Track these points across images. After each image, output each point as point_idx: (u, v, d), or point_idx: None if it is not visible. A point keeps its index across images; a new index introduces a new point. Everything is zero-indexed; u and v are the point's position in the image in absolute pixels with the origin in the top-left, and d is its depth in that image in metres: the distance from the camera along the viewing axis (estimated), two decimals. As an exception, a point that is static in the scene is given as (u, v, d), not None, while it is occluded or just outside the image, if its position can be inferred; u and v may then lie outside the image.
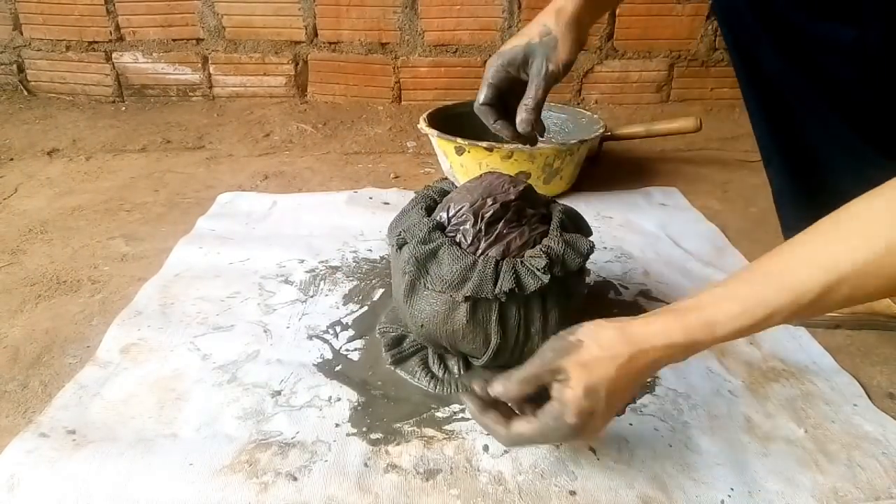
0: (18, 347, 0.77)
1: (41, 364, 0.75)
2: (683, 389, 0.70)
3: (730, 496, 0.57)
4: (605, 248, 1.02)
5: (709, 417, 0.66)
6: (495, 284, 0.63)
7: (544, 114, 0.79)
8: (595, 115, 1.30)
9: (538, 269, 0.63)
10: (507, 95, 0.73)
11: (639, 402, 0.68)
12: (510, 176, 0.73)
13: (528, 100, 0.70)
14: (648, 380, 0.69)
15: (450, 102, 1.36)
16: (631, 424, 0.65)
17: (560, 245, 0.66)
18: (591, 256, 0.69)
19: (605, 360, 0.52)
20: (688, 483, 0.58)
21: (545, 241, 0.67)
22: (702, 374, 0.73)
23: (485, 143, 1.09)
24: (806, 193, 0.80)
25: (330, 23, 1.71)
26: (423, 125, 1.21)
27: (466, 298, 0.64)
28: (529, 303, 0.65)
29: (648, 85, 1.76)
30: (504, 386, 0.55)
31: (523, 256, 0.65)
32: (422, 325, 0.68)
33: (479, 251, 0.66)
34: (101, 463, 0.59)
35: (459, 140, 1.12)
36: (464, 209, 0.68)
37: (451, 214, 0.68)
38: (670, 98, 1.77)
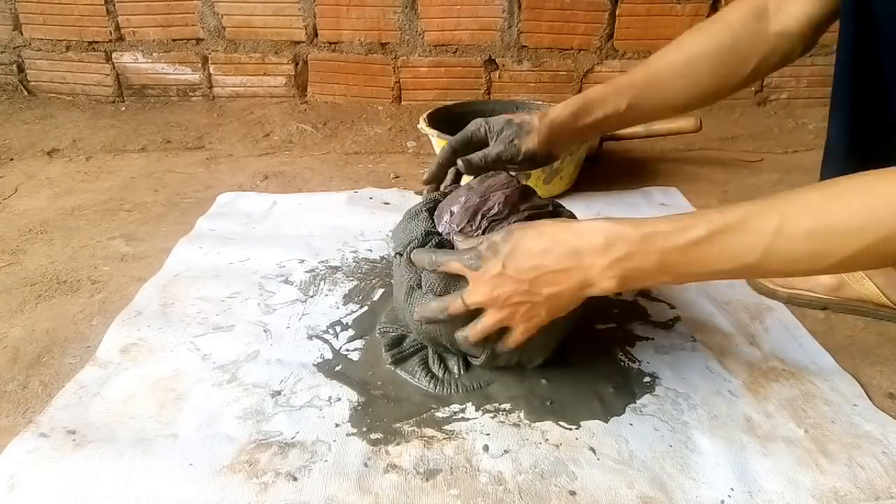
0: (18, 347, 0.77)
1: (41, 364, 0.75)
2: (683, 389, 0.70)
3: (730, 496, 0.57)
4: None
5: (709, 417, 0.66)
6: None
7: None
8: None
9: None
10: (470, 147, 0.76)
11: (639, 402, 0.68)
12: (510, 175, 0.73)
13: (480, 154, 0.74)
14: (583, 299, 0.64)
15: (450, 102, 1.36)
16: (631, 424, 0.65)
17: None
18: None
19: (521, 226, 0.58)
20: (688, 483, 0.58)
21: None
22: (702, 374, 0.73)
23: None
24: (858, 151, 0.75)
25: (330, 23, 1.71)
26: (423, 125, 1.21)
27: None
28: None
29: (648, 85, 1.75)
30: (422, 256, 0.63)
31: None
32: (422, 324, 0.67)
33: None
34: (101, 463, 0.59)
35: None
36: (465, 209, 0.68)
37: (453, 213, 0.68)
38: (670, 98, 1.77)
